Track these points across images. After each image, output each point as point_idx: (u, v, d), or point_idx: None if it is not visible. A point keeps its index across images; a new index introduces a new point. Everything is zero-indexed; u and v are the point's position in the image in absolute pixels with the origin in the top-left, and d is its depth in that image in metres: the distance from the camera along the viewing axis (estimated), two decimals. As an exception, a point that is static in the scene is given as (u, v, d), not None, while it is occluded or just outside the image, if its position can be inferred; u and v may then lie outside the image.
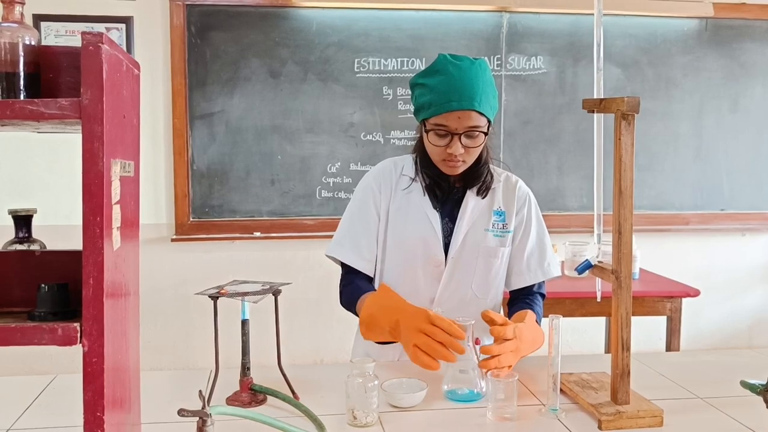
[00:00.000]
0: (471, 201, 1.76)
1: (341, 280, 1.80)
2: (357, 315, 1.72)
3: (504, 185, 1.82)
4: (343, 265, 1.79)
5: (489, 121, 1.67)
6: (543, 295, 1.86)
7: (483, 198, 1.77)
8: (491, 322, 1.54)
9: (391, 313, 1.52)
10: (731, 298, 4.22)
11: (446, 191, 1.76)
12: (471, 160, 1.70)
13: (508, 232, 1.79)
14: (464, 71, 1.61)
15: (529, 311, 1.72)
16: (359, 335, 1.90)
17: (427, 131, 1.66)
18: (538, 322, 1.75)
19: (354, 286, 1.75)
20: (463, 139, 1.63)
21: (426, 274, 1.76)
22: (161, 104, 3.64)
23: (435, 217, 1.75)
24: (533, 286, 1.83)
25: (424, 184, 1.76)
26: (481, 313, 1.57)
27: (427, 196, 1.76)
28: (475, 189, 1.76)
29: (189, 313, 3.73)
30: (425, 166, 1.76)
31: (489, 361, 1.47)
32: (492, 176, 1.79)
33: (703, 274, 3.99)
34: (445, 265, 1.75)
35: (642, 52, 3.94)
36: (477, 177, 1.76)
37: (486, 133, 1.67)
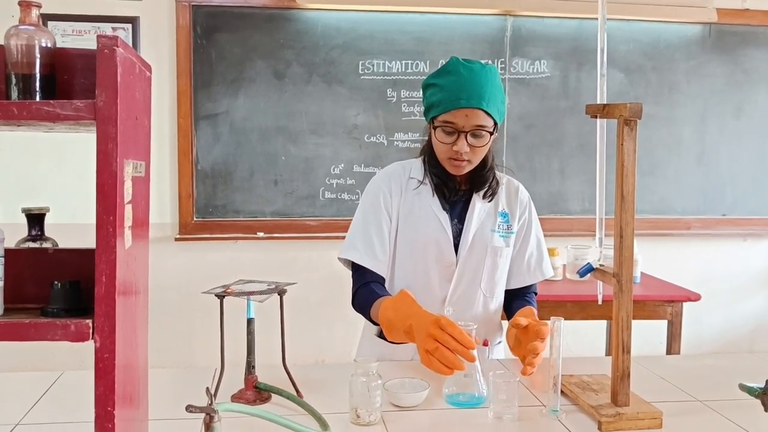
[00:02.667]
0: (478, 203, 1.81)
1: (354, 283, 1.81)
2: (370, 319, 1.74)
3: (506, 189, 1.87)
4: (356, 268, 1.80)
5: (495, 124, 1.71)
6: (536, 293, 1.94)
7: (489, 202, 1.82)
8: (518, 325, 1.63)
9: (405, 318, 1.54)
10: (732, 304, 4.23)
11: (453, 192, 1.80)
12: (476, 160, 1.74)
13: (512, 233, 1.85)
14: (475, 73, 1.67)
15: (532, 308, 1.80)
16: (365, 336, 1.92)
17: (436, 128, 1.71)
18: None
19: (368, 289, 1.75)
20: (469, 137, 1.68)
21: (438, 274, 1.79)
22: (166, 104, 3.66)
23: (445, 218, 1.79)
24: (531, 285, 1.90)
25: (432, 185, 1.79)
26: (510, 323, 1.67)
27: (436, 197, 1.79)
28: (481, 193, 1.81)
29: (191, 312, 3.75)
30: (433, 166, 1.79)
31: (535, 360, 1.57)
32: (497, 181, 1.83)
33: (704, 278, 4.01)
34: (456, 265, 1.79)
35: (645, 57, 3.95)
36: (483, 182, 1.81)
37: (492, 133, 1.71)
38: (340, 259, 1.83)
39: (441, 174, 1.78)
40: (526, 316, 1.68)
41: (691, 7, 3.88)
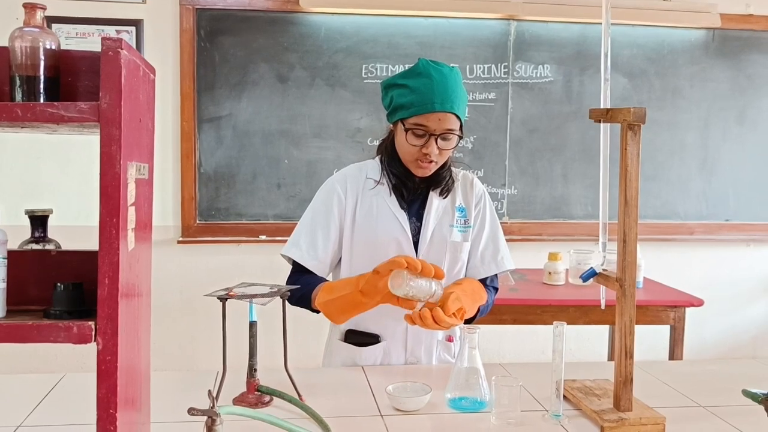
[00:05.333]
0: (435, 200, 1.81)
1: (290, 277, 1.81)
2: (309, 307, 1.73)
3: (462, 183, 1.87)
4: (295, 265, 1.80)
5: (461, 126, 1.72)
6: (495, 289, 1.91)
7: (444, 198, 1.82)
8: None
9: (359, 277, 1.62)
10: (735, 309, 4.21)
11: (412, 190, 1.80)
12: (442, 162, 1.75)
13: (470, 227, 1.85)
14: (445, 76, 1.69)
15: (473, 282, 1.80)
16: (330, 341, 1.90)
17: (406, 130, 1.69)
18: (483, 310, 1.82)
19: (305, 279, 1.75)
20: (438, 141, 1.69)
21: None
22: (170, 107, 3.66)
23: (403, 217, 1.79)
24: (486, 279, 1.88)
25: (390, 185, 1.79)
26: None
27: (393, 197, 1.79)
28: (438, 190, 1.81)
29: (193, 315, 3.75)
30: (391, 166, 1.79)
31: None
32: (453, 179, 1.84)
33: (707, 284, 4.00)
34: None
35: (649, 62, 3.95)
36: (440, 180, 1.81)
37: (461, 137, 1.72)
38: (283, 255, 1.81)
39: (400, 174, 1.78)
40: (461, 284, 1.71)
41: (694, 12, 3.87)
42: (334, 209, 1.79)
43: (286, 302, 1.52)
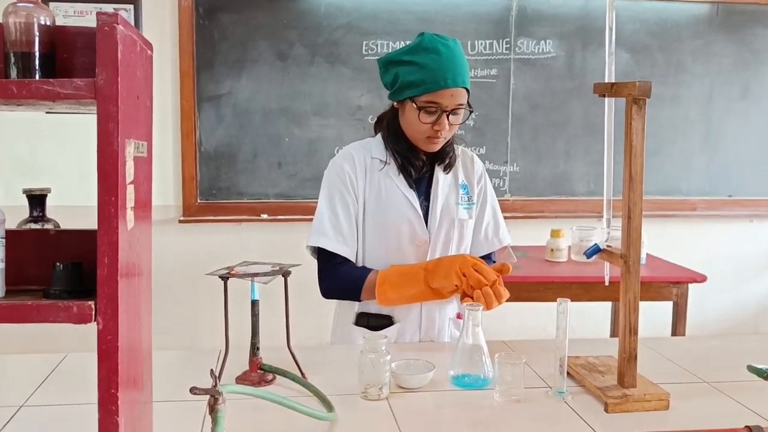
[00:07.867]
0: (440, 177, 1.80)
1: (323, 269, 1.77)
2: (356, 297, 1.74)
3: (462, 160, 1.86)
4: (324, 254, 1.76)
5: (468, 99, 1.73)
6: (495, 261, 1.92)
7: (447, 174, 1.81)
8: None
9: (424, 264, 1.66)
10: (738, 285, 4.21)
11: (418, 168, 1.77)
12: (450, 136, 1.75)
13: (474, 204, 1.85)
14: (452, 49, 1.67)
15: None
16: (340, 323, 1.89)
17: (418, 108, 1.66)
18: None
19: (346, 268, 1.75)
20: (450, 116, 1.68)
21: (413, 254, 1.78)
22: (169, 86, 3.64)
23: (413, 196, 1.77)
24: (490, 254, 1.89)
25: (398, 164, 1.77)
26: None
27: (401, 176, 1.77)
28: (442, 166, 1.80)
29: (195, 294, 3.75)
30: (396, 143, 1.76)
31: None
32: (455, 154, 1.82)
33: (709, 260, 3.98)
34: (429, 242, 1.78)
35: (652, 36, 3.91)
36: (444, 155, 1.79)
37: (471, 111, 1.72)
38: (309, 247, 1.78)
39: (405, 152, 1.76)
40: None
41: (698, -15, 3.83)
42: (349, 188, 1.77)
43: (288, 281, 1.51)
